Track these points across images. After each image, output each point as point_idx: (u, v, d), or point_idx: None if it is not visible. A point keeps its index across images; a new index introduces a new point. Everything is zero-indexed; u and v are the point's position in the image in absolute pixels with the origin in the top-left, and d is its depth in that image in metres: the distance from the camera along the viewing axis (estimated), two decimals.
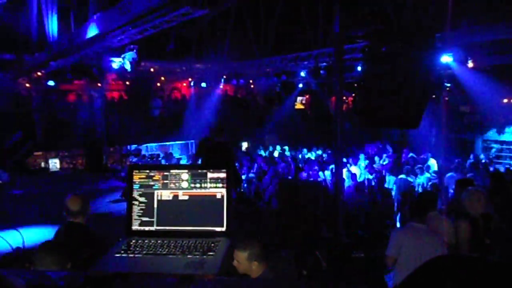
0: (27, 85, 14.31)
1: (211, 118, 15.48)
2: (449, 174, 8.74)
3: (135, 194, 1.60)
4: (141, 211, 1.59)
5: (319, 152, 14.33)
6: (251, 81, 17.25)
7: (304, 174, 10.54)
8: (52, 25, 10.65)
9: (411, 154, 11.63)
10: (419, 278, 0.98)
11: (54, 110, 14.55)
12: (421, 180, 9.21)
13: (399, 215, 7.88)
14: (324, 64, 12.58)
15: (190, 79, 17.45)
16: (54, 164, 13.60)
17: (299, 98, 19.25)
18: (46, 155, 13.91)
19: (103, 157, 14.43)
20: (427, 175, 9.40)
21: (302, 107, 19.60)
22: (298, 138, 16.94)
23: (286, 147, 15.26)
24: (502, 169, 11.14)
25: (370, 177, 9.83)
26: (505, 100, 14.98)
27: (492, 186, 5.84)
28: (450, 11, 7.62)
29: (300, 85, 17.62)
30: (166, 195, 1.60)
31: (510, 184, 6.02)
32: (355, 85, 5.75)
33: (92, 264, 1.36)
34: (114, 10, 8.12)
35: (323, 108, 18.01)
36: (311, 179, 9.91)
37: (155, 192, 1.60)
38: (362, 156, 12.15)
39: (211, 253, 1.42)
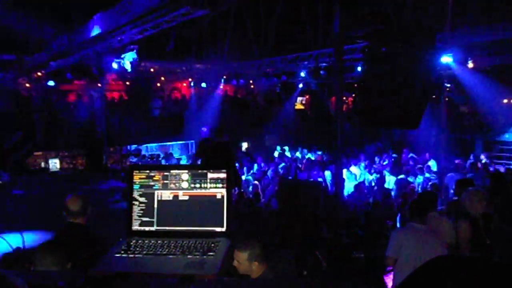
0: (27, 85, 14.31)
1: (211, 118, 15.47)
2: (449, 175, 8.74)
3: (135, 194, 1.60)
4: (141, 211, 1.58)
5: (319, 152, 14.33)
6: (251, 81, 17.24)
7: (304, 175, 10.55)
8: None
9: (411, 155, 11.63)
10: (419, 278, 0.98)
11: (54, 110, 14.55)
12: (421, 180, 9.20)
13: (399, 215, 7.87)
14: (324, 64, 12.57)
15: (190, 79, 17.45)
16: (54, 164, 13.59)
17: (299, 99, 19.25)
18: (46, 155, 13.89)
19: (103, 157, 14.42)
20: (427, 175, 9.41)
21: (302, 107, 19.60)
22: (298, 138, 16.94)
23: (286, 147, 15.26)
24: (502, 169, 11.14)
25: (371, 177, 9.84)
26: (505, 101, 14.99)
27: (492, 186, 5.84)
28: (450, 11, 7.63)
29: (300, 86, 17.61)
30: (166, 195, 1.60)
31: (510, 184, 6.02)
32: (355, 85, 5.74)
33: (92, 264, 1.36)
34: (114, 10, 8.12)
35: (323, 109, 18.01)
36: (311, 179, 9.91)
37: (155, 192, 1.60)
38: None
39: (211, 254, 1.42)
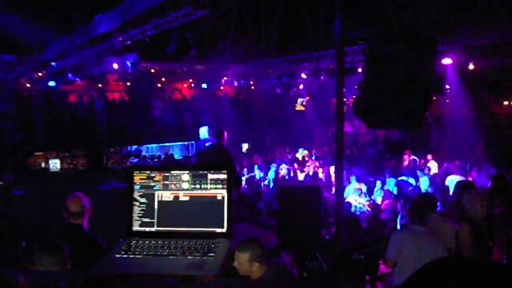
0: (28, 85, 14.33)
1: (212, 119, 15.49)
2: (450, 176, 8.73)
3: (136, 194, 1.60)
4: (142, 212, 1.58)
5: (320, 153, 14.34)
6: (252, 82, 17.26)
7: (304, 175, 10.55)
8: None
9: (412, 157, 11.62)
10: (420, 281, 0.98)
11: (55, 110, 14.57)
12: (421, 182, 9.19)
13: (399, 217, 7.87)
14: (325, 65, 12.59)
15: (190, 80, 17.47)
16: (55, 164, 13.60)
17: (299, 100, 19.25)
18: (47, 155, 13.91)
19: (104, 158, 14.43)
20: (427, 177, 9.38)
21: (302, 108, 19.60)
22: (298, 139, 16.94)
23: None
24: None
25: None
26: (506, 103, 15.00)
27: (493, 187, 5.84)
28: (451, 13, 7.63)
29: (301, 87, 17.62)
30: (167, 196, 1.59)
31: (511, 185, 6.02)
32: (356, 86, 5.74)
33: (92, 265, 1.36)
34: (115, 11, 8.13)
35: (323, 110, 18.01)
36: (312, 180, 9.91)
37: (156, 193, 1.60)
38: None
39: (211, 254, 1.41)
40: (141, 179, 1.61)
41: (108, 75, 13.90)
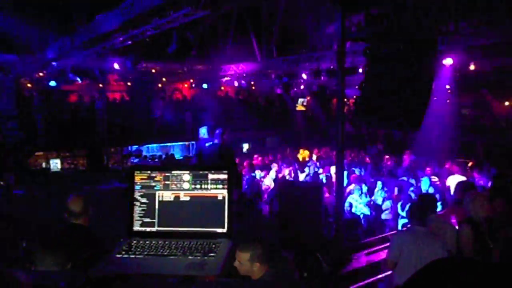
0: (29, 85, 14.34)
1: (212, 119, 15.50)
2: (451, 177, 8.72)
3: (137, 194, 1.60)
4: (143, 212, 1.59)
5: (320, 153, 14.33)
6: (252, 82, 17.26)
7: (305, 176, 10.55)
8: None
9: (412, 157, 11.61)
10: (420, 281, 0.98)
11: (55, 110, 14.57)
12: (422, 182, 9.18)
13: (400, 217, 7.87)
14: (326, 65, 12.58)
15: (191, 80, 17.47)
16: (55, 164, 13.61)
17: (300, 100, 19.24)
18: (47, 155, 13.92)
19: (104, 158, 14.44)
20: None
21: (303, 108, 19.59)
22: (299, 139, 16.94)
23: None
24: None
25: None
26: (507, 103, 14.98)
27: (493, 187, 5.83)
28: (451, 12, 7.62)
29: (302, 87, 17.61)
30: (168, 196, 1.60)
31: (511, 185, 6.02)
32: (356, 87, 5.75)
33: (92, 265, 1.36)
34: (116, 11, 8.14)
35: (324, 110, 18.02)
36: (312, 180, 9.91)
37: (157, 193, 1.60)
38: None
39: (212, 254, 1.42)
40: (141, 179, 1.61)
41: (109, 75, 13.90)
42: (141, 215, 1.58)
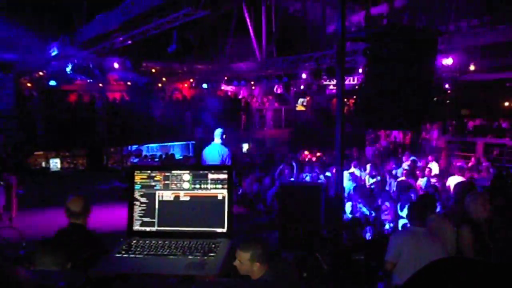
0: (29, 85, 14.34)
1: (212, 119, 15.51)
2: (450, 177, 8.73)
3: (137, 194, 1.60)
4: (142, 212, 1.58)
5: (320, 153, 14.32)
6: (252, 82, 17.27)
7: (305, 176, 10.53)
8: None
9: (412, 157, 11.62)
10: (420, 281, 0.98)
11: (55, 110, 14.57)
12: (421, 182, 9.19)
13: (399, 218, 7.86)
14: (326, 66, 12.59)
15: (191, 80, 17.48)
16: (55, 164, 13.62)
17: (300, 100, 19.26)
18: (47, 155, 13.93)
19: (104, 158, 14.45)
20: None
21: (303, 108, 19.61)
22: (299, 139, 16.94)
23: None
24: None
25: (372, 180, 9.81)
26: (506, 104, 15.00)
27: (493, 186, 5.84)
28: (452, 13, 7.63)
29: (302, 87, 17.63)
30: (168, 195, 1.59)
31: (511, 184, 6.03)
32: (356, 87, 5.75)
33: (92, 264, 1.36)
34: (116, 11, 8.14)
35: (324, 110, 18.02)
36: (312, 181, 9.90)
37: (157, 192, 1.60)
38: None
39: (212, 254, 1.41)
40: (141, 178, 1.61)
41: (109, 75, 13.90)
42: (141, 214, 1.58)
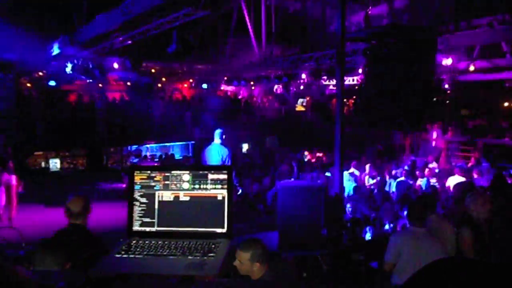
0: (28, 85, 14.34)
1: (212, 119, 15.51)
2: (450, 178, 8.73)
3: (136, 194, 1.60)
4: (142, 212, 1.58)
5: (320, 154, 14.32)
6: (252, 82, 17.27)
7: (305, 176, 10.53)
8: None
9: (412, 158, 11.63)
10: (420, 281, 0.98)
11: (55, 110, 14.57)
12: (421, 183, 9.19)
13: (399, 218, 7.86)
14: (326, 66, 12.59)
15: (191, 80, 17.48)
16: (55, 164, 13.61)
17: (300, 100, 19.26)
18: (47, 155, 13.92)
19: (104, 158, 14.45)
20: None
21: (303, 109, 19.61)
22: (299, 140, 16.93)
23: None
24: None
25: (372, 181, 9.81)
26: (506, 104, 15.01)
27: (492, 186, 5.83)
28: (451, 13, 7.63)
29: (302, 87, 17.63)
30: (167, 196, 1.59)
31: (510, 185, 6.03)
32: (356, 87, 5.76)
33: (92, 265, 1.36)
34: (116, 11, 8.13)
35: (324, 110, 18.02)
36: (312, 181, 9.90)
37: (156, 193, 1.60)
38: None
39: (211, 254, 1.41)
40: (141, 179, 1.61)
41: (109, 75, 13.90)
42: (140, 215, 1.58)
